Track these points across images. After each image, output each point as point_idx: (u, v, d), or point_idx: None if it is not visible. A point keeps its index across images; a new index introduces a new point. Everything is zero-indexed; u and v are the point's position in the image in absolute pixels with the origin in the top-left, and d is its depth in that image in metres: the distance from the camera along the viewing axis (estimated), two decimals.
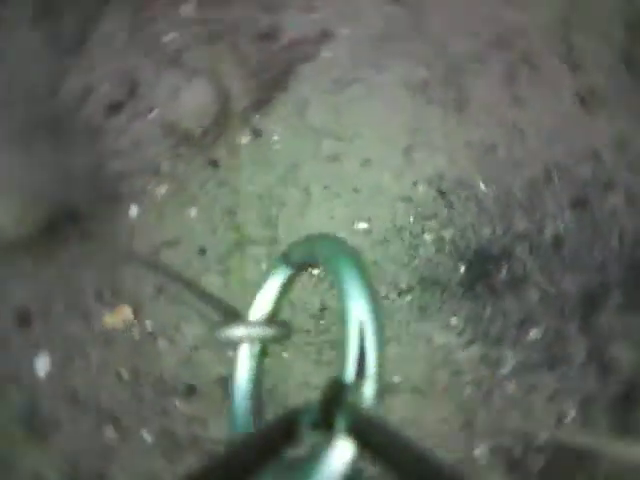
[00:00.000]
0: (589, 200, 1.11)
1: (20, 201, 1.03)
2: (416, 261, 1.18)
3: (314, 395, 0.34)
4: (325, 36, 1.21)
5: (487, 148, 1.19)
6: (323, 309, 1.17)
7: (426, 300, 1.16)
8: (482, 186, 1.18)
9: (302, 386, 1.16)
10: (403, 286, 1.17)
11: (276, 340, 0.43)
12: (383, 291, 1.16)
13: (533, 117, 1.17)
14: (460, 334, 1.13)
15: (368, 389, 0.33)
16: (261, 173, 1.22)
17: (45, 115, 1.18)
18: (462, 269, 1.16)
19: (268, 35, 1.19)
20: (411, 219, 1.19)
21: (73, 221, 1.09)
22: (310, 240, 0.44)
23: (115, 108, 1.15)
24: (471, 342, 1.11)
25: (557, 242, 1.12)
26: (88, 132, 1.16)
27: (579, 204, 1.13)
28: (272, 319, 0.44)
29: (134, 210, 1.19)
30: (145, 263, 1.20)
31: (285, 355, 1.17)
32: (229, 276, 1.17)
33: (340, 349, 0.35)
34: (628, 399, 0.99)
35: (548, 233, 1.13)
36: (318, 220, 1.21)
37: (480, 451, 1.05)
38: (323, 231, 1.19)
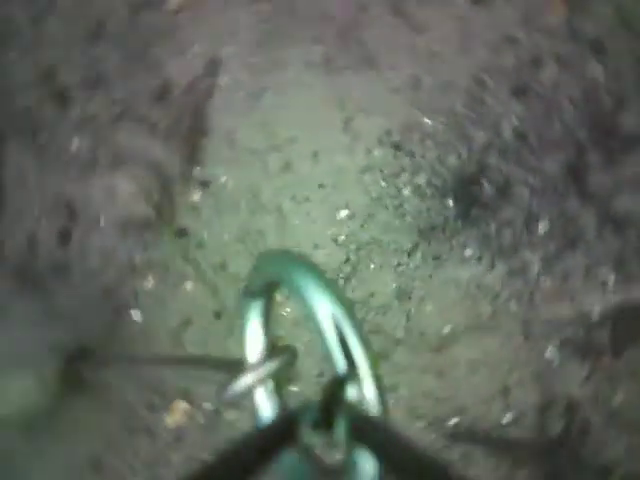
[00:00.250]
0: (527, 83, 1.11)
1: (32, 367, 1.01)
2: (407, 218, 1.19)
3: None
4: (214, 63, 1.18)
5: (413, 85, 1.18)
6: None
7: (434, 247, 1.17)
8: (428, 121, 1.18)
9: None
10: (408, 246, 1.18)
11: (285, 367, 0.43)
12: (394, 261, 1.18)
13: (438, 35, 1.16)
14: (479, 261, 1.15)
15: (366, 375, 0.33)
16: (229, 217, 1.21)
17: (4, 276, 1.15)
18: (450, 203, 1.17)
19: (163, 91, 1.16)
20: (383, 184, 1.19)
21: (88, 358, 1.08)
22: (260, 263, 0.43)
23: (65, 236, 1.13)
24: (492, 263, 1.13)
25: (519, 135, 1.14)
26: (54, 270, 1.13)
27: (520, 91, 1.13)
28: (272, 351, 0.43)
29: (137, 314, 1.18)
30: (162, 360, 1.19)
31: None
32: None
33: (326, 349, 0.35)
34: None
35: (507, 131, 1.14)
36: (303, 230, 1.20)
37: (549, 353, 1.08)
38: (314, 238, 1.19)
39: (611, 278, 1.05)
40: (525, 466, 1.08)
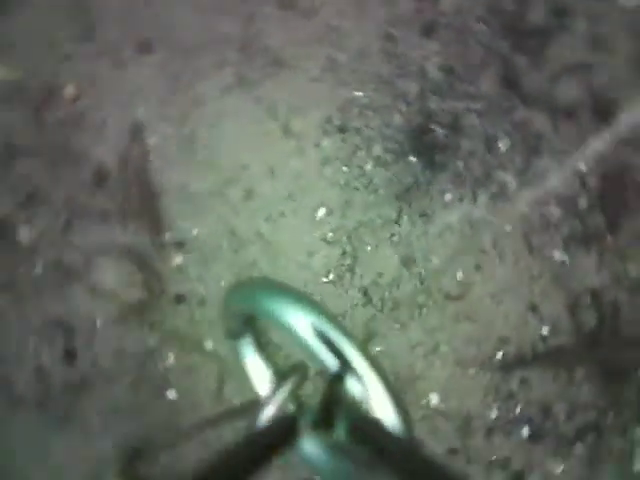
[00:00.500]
0: (432, 20, 1.13)
1: None
2: (380, 190, 1.19)
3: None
4: (136, 128, 1.15)
5: (331, 66, 1.19)
6: (365, 293, 1.19)
7: (417, 206, 1.18)
8: (359, 94, 1.18)
9: (412, 349, 1.20)
10: (393, 215, 1.19)
11: (301, 381, 0.43)
12: (386, 234, 1.18)
13: (332, 11, 1.16)
14: (461, 199, 1.17)
15: (360, 364, 0.34)
16: (217, 264, 1.19)
17: (28, 416, 1.11)
18: (413, 159, 1.18)
19: (100, 176, 1.13)
20: (345, 169, 1.19)
21: (145, 454, 1.06)
22: (227, 304, 0.43)
23: (71, 354, 1.09)
24: (474, 197, 1.16)
25: (446, 70, 1.15)
26: (74, 390, 1.10)
27: (429, 29, 1.15)
28: (281, 376, 0.43)
29: (172, 393, 1.16)
30: (207, 423, 1.18)
31: (379, 350, 1.20)
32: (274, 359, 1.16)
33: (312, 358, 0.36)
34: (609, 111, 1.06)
35: (433, 72, 1.16)
36: (290, 244, 1.20)
37: (557, 255, 1.12)
38: (304, 246, 1.18)
39: (582, 164, 1.08)
40: (579, 368, 1.12)
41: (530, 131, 1.13)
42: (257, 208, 1.18)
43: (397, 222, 1.18)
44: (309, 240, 1.17)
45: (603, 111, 1.11)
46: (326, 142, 1.18)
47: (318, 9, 1.17)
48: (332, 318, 0.35)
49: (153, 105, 1.17)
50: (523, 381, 1.17)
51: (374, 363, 0.34)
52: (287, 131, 1.18)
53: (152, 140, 1.17)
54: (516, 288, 1.16)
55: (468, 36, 1.13)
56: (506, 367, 1.16)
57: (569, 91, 1.11)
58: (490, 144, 1.14)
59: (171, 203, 1.18)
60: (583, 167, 1.09)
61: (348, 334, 0.35)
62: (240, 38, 1.18)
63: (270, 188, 1.18)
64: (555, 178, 1.12)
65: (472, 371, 1.19)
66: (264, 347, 0.46)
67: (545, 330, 1.16)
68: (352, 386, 0.34)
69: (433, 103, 1.16)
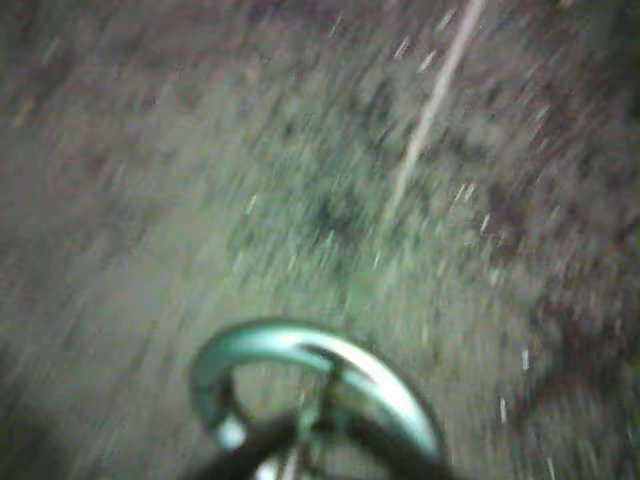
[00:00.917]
0: (288, 122, 1.20)
1: None
2: (313, 281, 1.10)
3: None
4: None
5: (209, 194, 1.14)
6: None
7: (353, 280, 1.12)
8: (252, 202, 1.14)
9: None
10: (336, 299, 1.10)
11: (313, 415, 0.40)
12: (339, 320, 1.07)
13: (189, 154, 1.15)
14: (390, 256, 1.14)
15: (352, 353, 0.34)
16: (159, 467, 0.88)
17: None
18: (329, 239, 1.14)
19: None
20: (269, 279, 1.07)
21: None
22: (194, 383, 0.40)
23: None
24: (400, 248, 1.14)
25: (319, 159, 1.21)
26: None
27: (288, 131, 1.22)
28: (287, 416, 0.39)
29: None
30: None
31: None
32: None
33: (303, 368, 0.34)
34: None
35: (309, 165, 1.20)
36: (248, 382, 0.97)
37: (494, 278, 1.13)
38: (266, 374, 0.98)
39: (468, 190, 1.17)
40: (573, 384, 1.07)
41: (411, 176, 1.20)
42: (224, 289, 0.98)
43: (342, 303, 1.08)
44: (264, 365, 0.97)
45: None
46: (238, 262, 1.06)
47: (202, 97, 1.15)
48: (310, 323, 0.35)
49: (12, 317, 0.91)
50: (537, 427, 1.07)
51: (365, 346, 0.34)
52: (187, 273, 1.03)
53: (21, 358, 0.87)
54: (479, 325, 1.11)
55: (324, 127, 1.22)
56: (515, 421, 1.05)
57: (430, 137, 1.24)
58: (387, 198, 1.17)
59: (69, 427, 0.85)
60: (471, 189, 1.18)
61: (331, 330, 0.34)
62: (100, 204, 1.06)
63: (193, 336, 0.97)
64: (454, 208, 1.17)
65: (489, 448, 1.05)
66: (251, 419, 0.40)
67: (525, 356, 1.11)
68: (352, 378, 0.33)
69: (322, 186, 1.18)
